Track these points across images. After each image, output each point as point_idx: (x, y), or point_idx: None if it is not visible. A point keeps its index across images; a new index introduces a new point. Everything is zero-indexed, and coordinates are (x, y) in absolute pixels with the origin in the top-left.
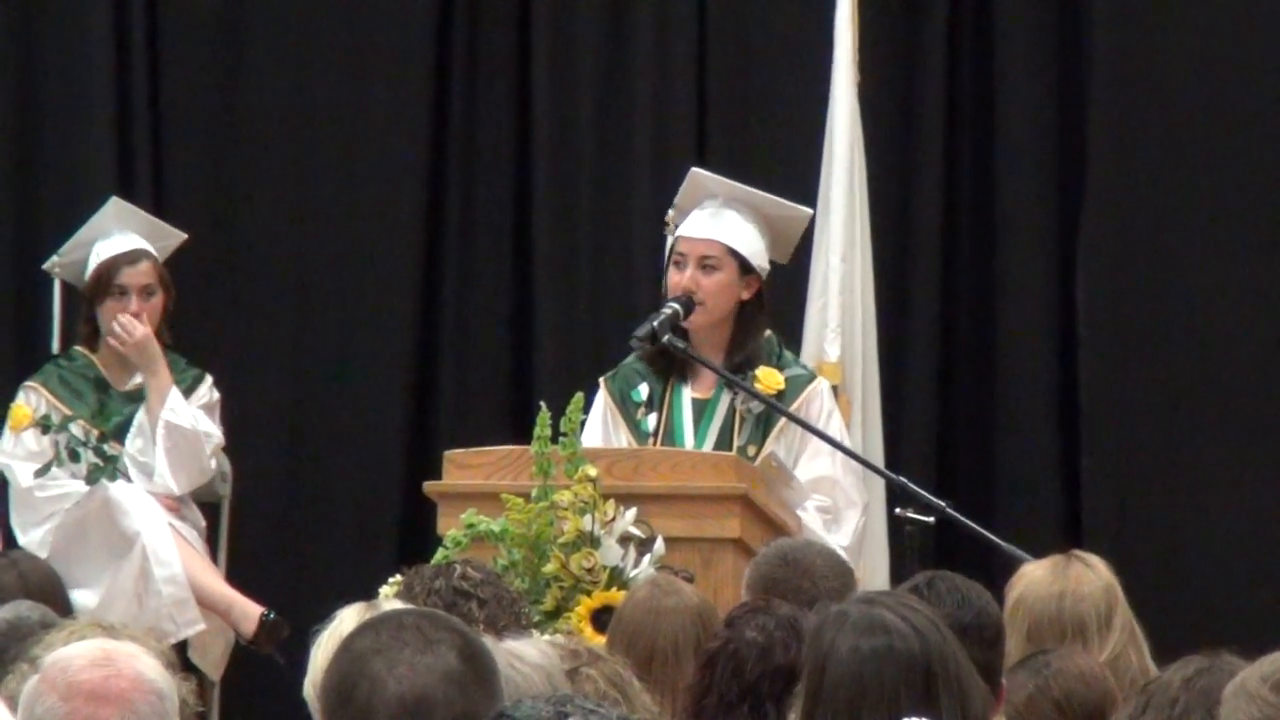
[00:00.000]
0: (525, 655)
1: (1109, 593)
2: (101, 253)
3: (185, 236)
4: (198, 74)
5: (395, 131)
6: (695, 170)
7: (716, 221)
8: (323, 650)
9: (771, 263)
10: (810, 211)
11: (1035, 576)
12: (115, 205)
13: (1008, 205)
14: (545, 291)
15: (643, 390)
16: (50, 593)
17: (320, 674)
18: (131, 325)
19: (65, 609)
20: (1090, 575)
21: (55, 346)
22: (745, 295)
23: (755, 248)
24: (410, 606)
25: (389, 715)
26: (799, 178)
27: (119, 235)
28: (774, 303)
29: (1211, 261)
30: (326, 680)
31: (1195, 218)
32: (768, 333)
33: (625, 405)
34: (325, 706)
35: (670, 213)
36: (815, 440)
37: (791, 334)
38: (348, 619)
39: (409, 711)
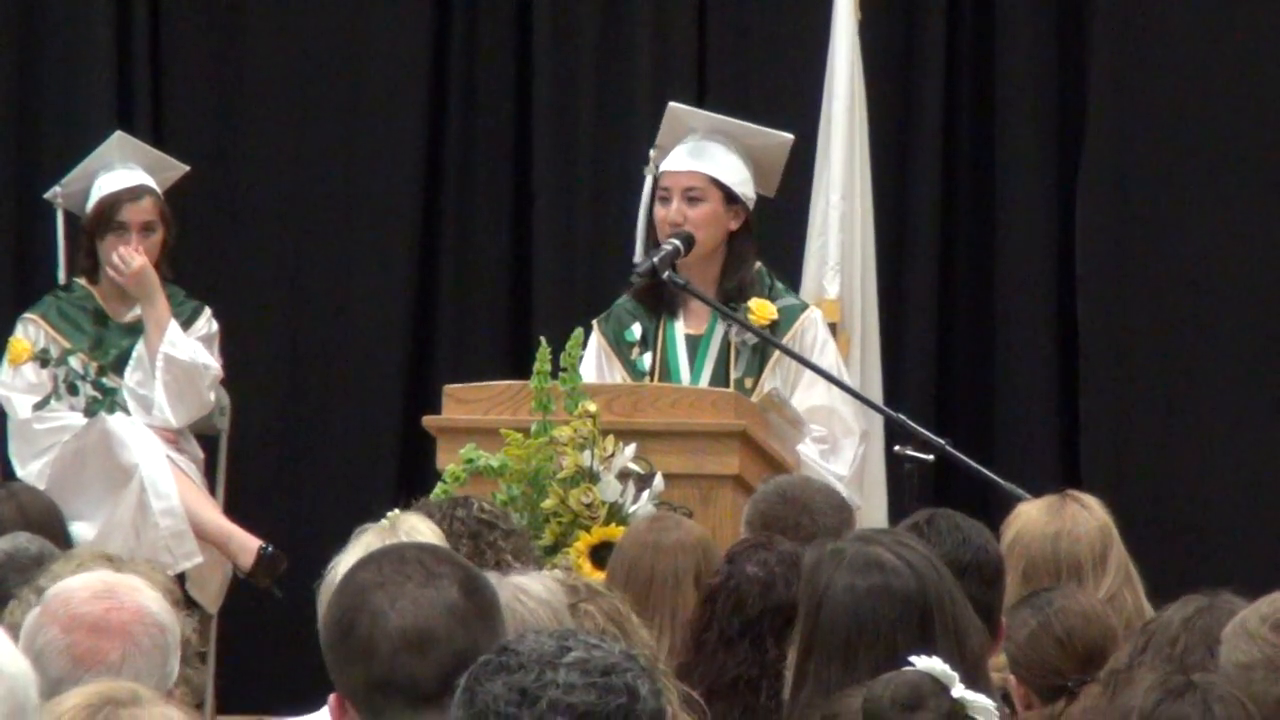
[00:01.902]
0: (531, 590)
1: (1104, 533)
2: (104, 186)
3: (187, 169)
4: (199, 8)
5: (396, 68)
6: (673, 105)
7: (698, 154)
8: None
9: (762, 198)
10: (790, 137)
11: (1030, 516)
12: (119, 138)
13: (1008, 145)
14: (545, 227)
15: (635, 330)
16: (50, 525)
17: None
18: (129, 256)
19: (65, 541)
20: (1085, 515)
21: (60, 276)
22: (733, 226)
23: (739, 177)
24: (412, 541)
25: (390, 648)
26: (799, 117)
27: (121, 168)
28: (762, 234)
29: (1210, 202)
30: (328, 614)
31: (1194, 158)
32: (758, 265)
33: (619, 346)
34: (327, 639)
35: (653, 152)
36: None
37: (791, 272)
38: (364, 543)
39: (410, 645)
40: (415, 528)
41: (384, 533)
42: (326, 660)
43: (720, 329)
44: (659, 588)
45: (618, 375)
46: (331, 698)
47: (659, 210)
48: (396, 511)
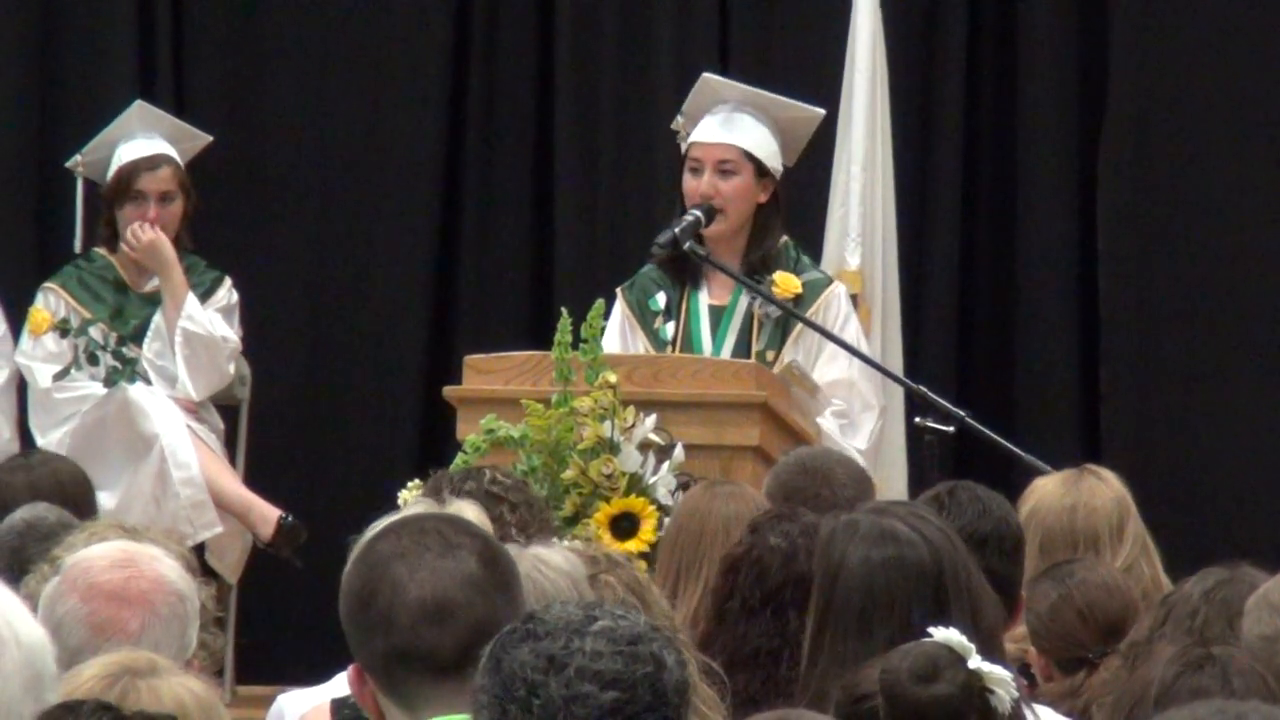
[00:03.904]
0: (551, 561)
1: (1120, 505)
2: (124, 155)
3: (210, 139)
4: None
5: (417, 38)
6: (706, 75)
7: (730, 126)
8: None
9: (806, 170)
10: (822, 111)
11: (1047, 490)
12: (140, 108)
13: (1029, 116)
14: (566, 198)
15: (660, 299)
16: (80, 493)
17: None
18: (140, 231)
19: (93, 510)
20: (1102, 488)
21: (78, 246)
22: (762, 198)
23: (769, 150)
24: (432, 511)
25: (410, 619)
26: (821, 87)
27: (142, 138)
28: (789, 207)
29: (1231, 173)
30: (348, 584)
31: (1216, 131)
32: (784, 238)
33: (643, 314)
34: (346, 610)
35: (679, 119)
36: (832, 344)
37: (812, 243)
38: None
39: (430, 616)
40: (462, 512)
41: (432, 505)
42: (346, 631)
43: (744, 300)
44: (710, 535)
45: (640, 343)
46: (350, 668)
47: (689, 181)
48: (417, 482)
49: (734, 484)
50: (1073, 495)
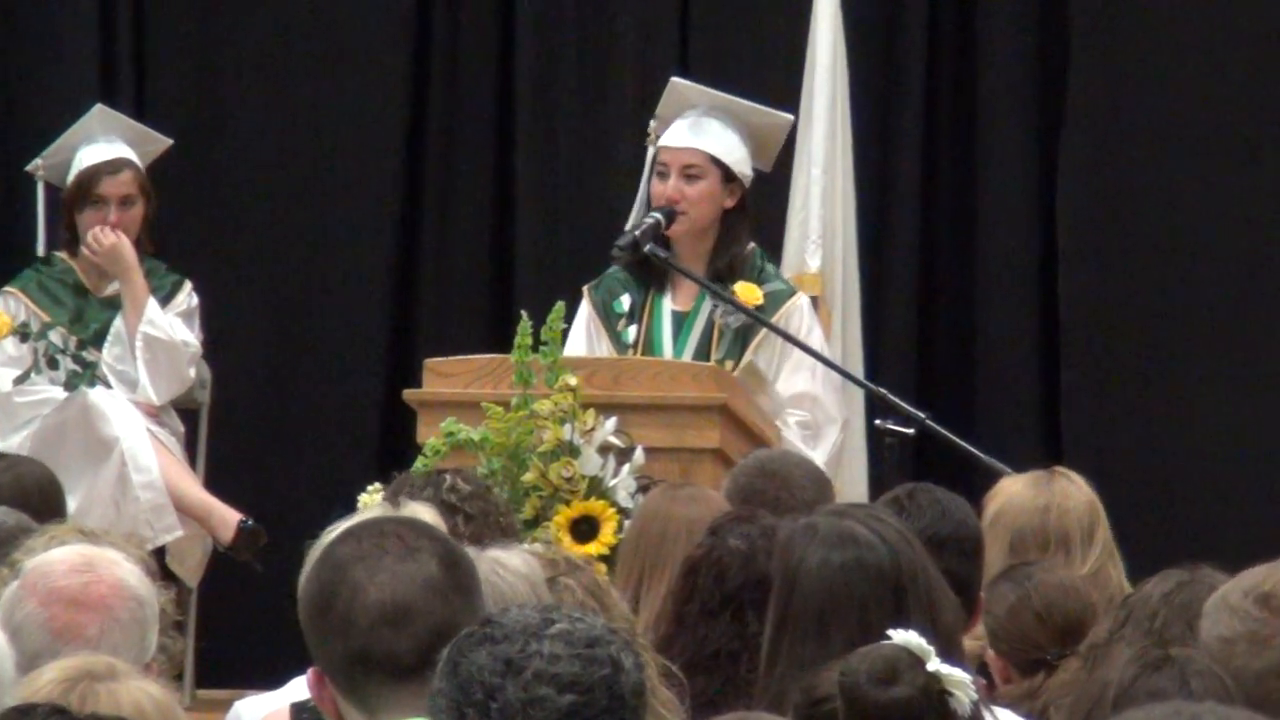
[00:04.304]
0: (509, 563)
1: (1092, 509)
2: (84, 159)
3: (170, 142)
4: None
5: (377, 40)
6: (675, 80)
7: (698, 130)
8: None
9: (756, 171)
10: (791, 118)
11: (1015, 490)
12: (101, 112)
13: (989, 117)
14: (526, 200)
15: (624, 301)
16: (49, 496)
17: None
18: (102, 235)
19: (61, 513)
20: (1075, 490)
21: (40, 249)
22: (729, 204)
23: (737, 155)
24: (392, 514)
25: (369, 622)
26: (781, 89)
27: (103, 141)
28: (757, 212)
29: (1191, 175)
30: (307, 587)
31: (1175, 132)
32: (752, 245)
33: (607, 316)
34: (306, 613)
35: (653, 124)
36: (795, 355)
37: (773, 245)
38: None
39: (389, 619)
40: (416, 514)
41: (387, 508)
42: (305, 633)
43: (706, 307)
44: (672, 535)
45: (604, 344)
46: (310, 671)
47: (656, 185)
48: (377, 485)
49: (694, 487)
50: (1045, 495)
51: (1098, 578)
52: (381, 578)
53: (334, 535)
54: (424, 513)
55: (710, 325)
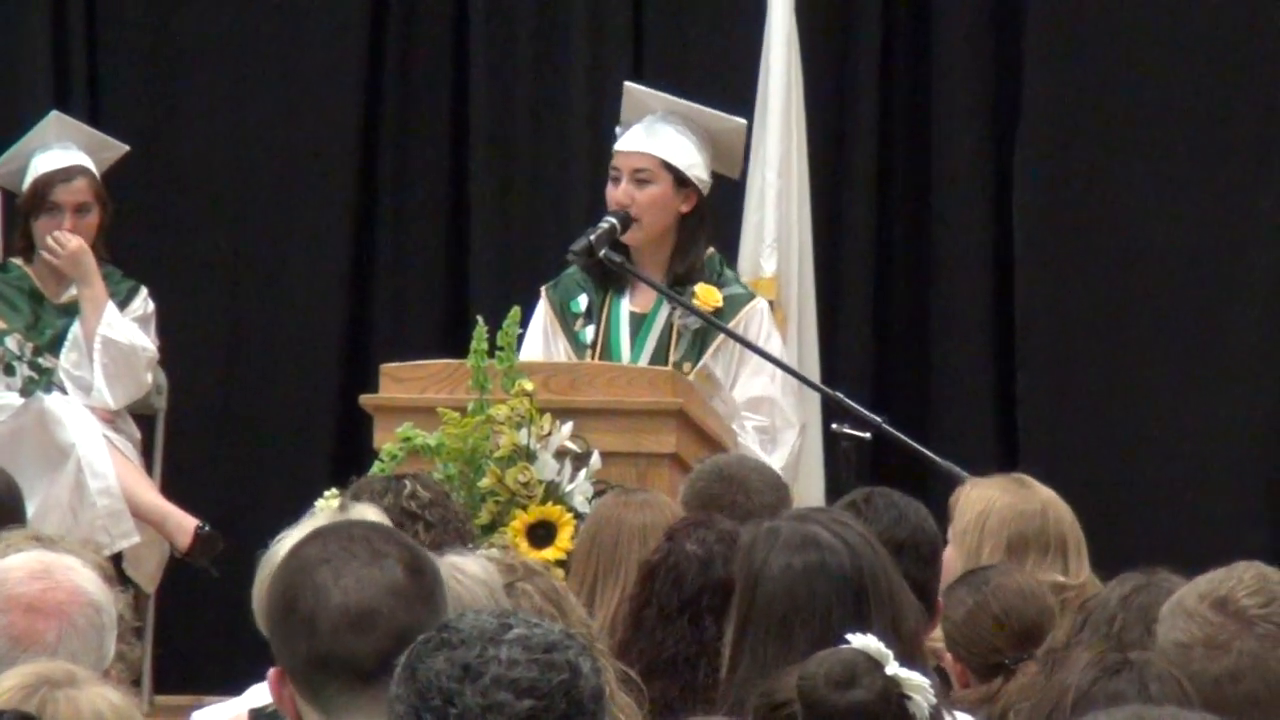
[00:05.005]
0: (467, 569)
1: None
2: (39, 166)
3: (127, 148)
4: None
5: (332, 47)
6: (629, 85)
7: (650, 135)
8: (263, 572)
9: (721, 177)
10: (742, 122)
11: (995, 494)
12: (55, 118)
13: (944, 122)
14: (481, 206)
15: (581, 301)
16: (9, 501)
17: (259, 594)
18: (64, 238)
19: (22, 518)
20: (1057, 496)
21: None
22: (684, 209)
23: (691, 160)
24: (359, 519)
25: (332, 625)
26: (735, 92)
27: (58, 148)
28: (717, 217)
29: (1146, 178)
30: (273, 587)
31: (1130, 135)
32: (710, 250)
33: (564, 316)
34: (270, 613)
35: (618, 129)
36: (753, 360)
37: (728, 249)
38: (290, 539)
39: (352, 623)
40: (364, 514)
41: (335, 514)
42: (268, 634)
43: (665, 310)
44: (626, 539)
45: (561, 344)
46: (271, 672)
47: (609, 189)
48: (335, 491)
49: (646, 492)
50: (1036, 500)
51: (1088, 588)
52: (346, 581)
53: (299, 536)
54: (369, 513)
55: (669, 327)
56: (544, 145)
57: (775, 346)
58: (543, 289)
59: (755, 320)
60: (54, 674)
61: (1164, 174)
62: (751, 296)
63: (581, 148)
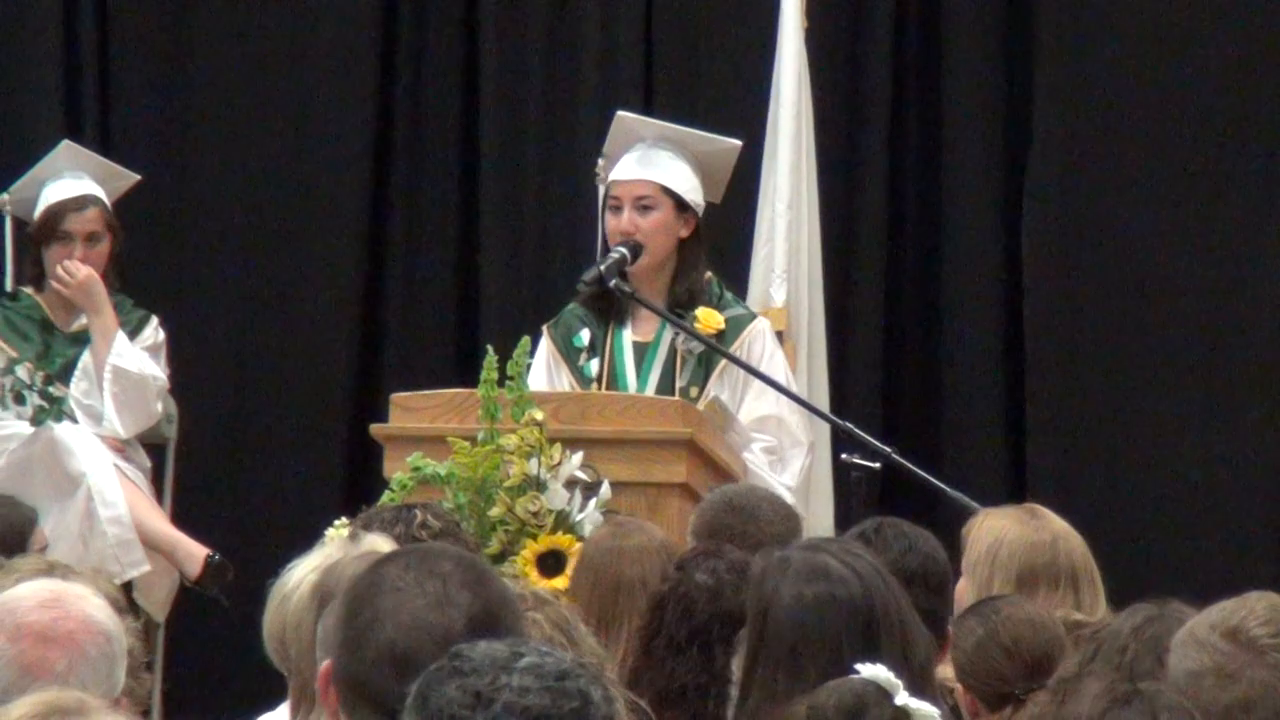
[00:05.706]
0: None
1: (1086, 548)
2: (50, 195)
3: (138, 178)
4: (146, 15)
5: (343, 77)
6: (621, 114)
7: (647, 162)
8: (274, 601)
9: (710, 205)
10: (738, 143)
11: (1007, 525)
12: (67, 147)
13: (954, 152)
14: (492, 236)
15: (584, 335)
16: (24, 531)
17: (270, 623)
18: (74, 268)
19: (22, 546)
20: (1070, 529)
21: (8, 284)
22: (684, 234)
23: (689, 184)
24: (451, 548)
25: (375, 656)
26: (746, 124)
27: (69, 177)
28: (712, 242)
29: (1155, 211)
30: (350, 587)
31: (1139, 166)
32: (709, 274)
33: (568, 352)
34: (338, 611)
35: (600, 161)
36: (759, 380)
37: (738, 280)
38: (301, 569)
39: (393, 661)
40: (376, 545)
41: (346, 544)
42: (331, 627)
43: (668, 337)
44: (625, 593)
45: (565, 380)
46: (325, 664)
47: (610, 220)
48: (345, 520)
49: (635, 521)
50: (1048, 531)
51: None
52: (403, 618)
53: (309, 566)
54: (381, 543)
55: (673, 353)
56: (554, 177)
57: (779, 364)
58: (544, 328)
59: (759, 340)
60: (65, 703)
61: (1173, 207)
62: (753, 317)
63: (591, 179)
